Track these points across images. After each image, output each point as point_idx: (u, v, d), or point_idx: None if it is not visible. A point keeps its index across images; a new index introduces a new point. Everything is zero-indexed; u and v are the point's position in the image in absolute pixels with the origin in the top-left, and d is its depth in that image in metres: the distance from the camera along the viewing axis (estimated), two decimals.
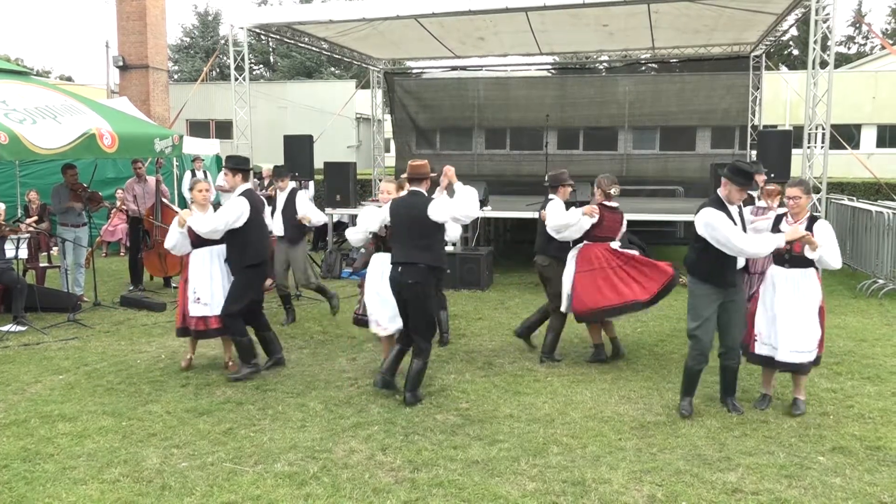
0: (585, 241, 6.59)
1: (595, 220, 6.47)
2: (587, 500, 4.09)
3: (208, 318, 6.31)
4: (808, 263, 5.23)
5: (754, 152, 13.70)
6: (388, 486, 4.24)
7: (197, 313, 6.31)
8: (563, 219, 6.44)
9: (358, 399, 5.73)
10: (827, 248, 5.12)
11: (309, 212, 8.14)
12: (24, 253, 9.29)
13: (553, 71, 21.57)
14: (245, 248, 6.26)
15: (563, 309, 6.64)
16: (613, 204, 6.61)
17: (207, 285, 6.32)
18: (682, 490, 4.19)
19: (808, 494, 4.14)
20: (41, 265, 10.21)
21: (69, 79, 44.33)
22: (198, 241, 6.34)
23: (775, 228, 5.38)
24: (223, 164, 7.41)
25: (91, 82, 37.85)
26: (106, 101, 15.78)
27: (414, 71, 17.67)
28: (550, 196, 6.74)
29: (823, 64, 10.00)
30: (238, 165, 6.44)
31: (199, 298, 6.31)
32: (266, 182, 13.67)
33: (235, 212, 6.16)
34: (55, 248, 11.24)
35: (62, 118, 7.92)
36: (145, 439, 4.95)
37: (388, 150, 19.27)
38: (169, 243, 6.39)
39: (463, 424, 5.20)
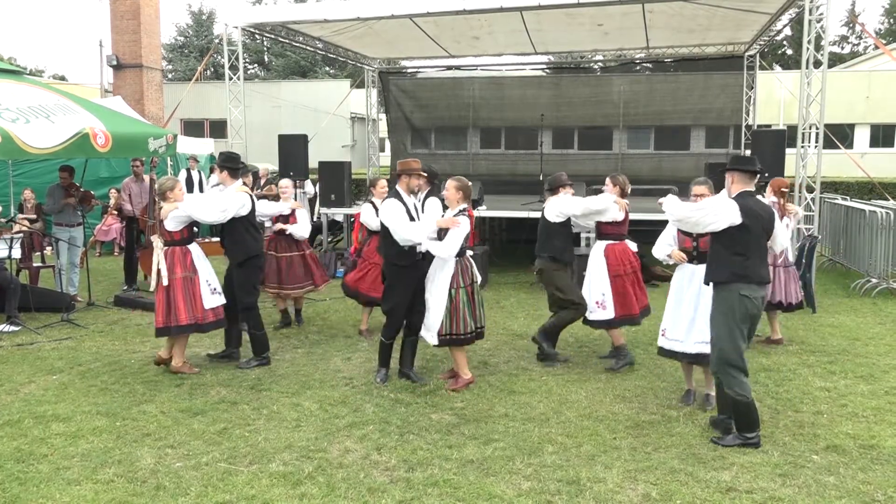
0: (607, 241, 6.50)
1: (622, 216, 6.43)
2: (582, 499, 4.10)
3: (217, 308, 6.40)
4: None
5: (748, 152, 13.73)
6: (384, 486, 4.24)
7: (214, 304, 6.36)
8: (592, 204, 6.41)
9: (353, 399, 5.73)
10: None
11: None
12: (17, 252, 9.24)
13: (548, 70, 21.59)
14: (247, 239, 6.48)
15: (592, 317, 6.52)
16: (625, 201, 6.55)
17: (214, 275, 6.47)
18: (677, 489, 4.20)
19: (802, 493, 4.15)
20: (35, 265, 10.16)
21: (62, 78, 44.17)
22: (189, 238, 6.39)
23: None
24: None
25: (84, 81, 37.78)
26: (100, 100, 15.72)
27: (409, 70, 17.65)
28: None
29: (817, 64, 10.03)
30: (226, 163, 6.57)
31: (214, 289, 6.40)
32: (262, 182, 13.68)
33: (240, 199, 6.41)
34: (49, 248, 11.21)
35: (55, 117, 7.89)
36: (139, 439, 4.93)
37: (382, 150, 19.22)
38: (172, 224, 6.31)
39: (458, 424, 5.20)
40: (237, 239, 6.47)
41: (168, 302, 6.23)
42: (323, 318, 8.65)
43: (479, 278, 5.98)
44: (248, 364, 6.55)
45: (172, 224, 6.26)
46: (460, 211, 5.83)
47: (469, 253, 5.94)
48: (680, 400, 5.62)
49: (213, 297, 6.36)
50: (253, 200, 6.60)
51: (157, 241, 6.33)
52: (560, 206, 6.47)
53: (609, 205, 6.42)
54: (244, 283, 6.54)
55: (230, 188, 6.53)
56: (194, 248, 6.40)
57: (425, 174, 6.33)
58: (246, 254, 6.49)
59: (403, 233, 5.77)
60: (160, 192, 6.37)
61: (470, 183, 5.97)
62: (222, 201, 6.38)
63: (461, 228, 5.70)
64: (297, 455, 4.67)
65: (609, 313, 6.42)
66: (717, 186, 5.39)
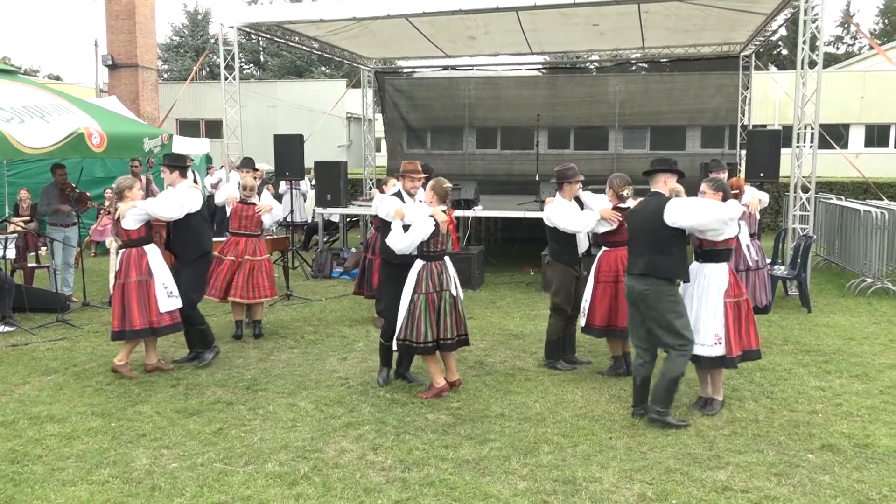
0: (604, 248, 6.27)
1: (614, 226, 6.14)
2: (578, 498, 4.10)
3: (174, 311, 6.31)
4: (716, 258, 5.27)
5: (744, 152, 13.77)
6: (380, 486, 4.24)
7: (171, 307, 6.26)
8: (569, 224, 6.21)
9: (349, 399, 5.72)
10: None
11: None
12: (12, 253, 9.22)
13: (544, 70, 21.60)
14: (197, 237, 6.59)
15: (579, 321, 6.41)
16: (626, 205, 6.15)
17: (171, 279, 6.37)
18: (673, 488, 4.20)
19: (798, 492, 4.16)
20: (29, 265, 10.14)
21: (57, 78, 44.01)
22: (146, 237, 6.31)
23: None
24: (166, 160, 6.93)
25: (79, 81, 37.68)
26: (95, 100, 15.68)
27: (405, 70, 17.65)
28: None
29: (812, 64, 10.05)
30: (175, 163, 6.61)
31: (171, 293, 6.31)
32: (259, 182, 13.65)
33: (194, 195, 6.51)
34: (43, 248, 11.17)
35: (50, 117, 7.88)
36: (135, 440, 4.92)
37: (378, 150, 19.24)
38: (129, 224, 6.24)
39: (454, 424, 5.20)
40: (192, 235, 6.54)
41: (122, 306, 6.15)
42: (319, 318, 8.64)
43: (452, 286, 5.72)
44: (205, 361, 6.59)
45: (130, 222, 6.20)
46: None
47: (447, 259, 5.79)
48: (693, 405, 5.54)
49: (169, 300, 6.24)
50: (203, 197, 6.76)
51: (112, 243, 6.31)
52: (548, 213, 6.36)
53: (585, 227, 6.22)
54: (194, 280, 6.60)
55: (181, 185, 6.54)
56: (151, 249, 6.29)
57: (420, 177, 6.24)
58: (200, 249, 6.60)
59: (390, 209, 5.87)
60: (117, 191, 6.31)
61: (447, 185, 5.78)
62: (179, 196, 6.40)
63: (424, 225, 5.56)
64: (293, 455, 4.66)
65: (584, 321, 6.31)
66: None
